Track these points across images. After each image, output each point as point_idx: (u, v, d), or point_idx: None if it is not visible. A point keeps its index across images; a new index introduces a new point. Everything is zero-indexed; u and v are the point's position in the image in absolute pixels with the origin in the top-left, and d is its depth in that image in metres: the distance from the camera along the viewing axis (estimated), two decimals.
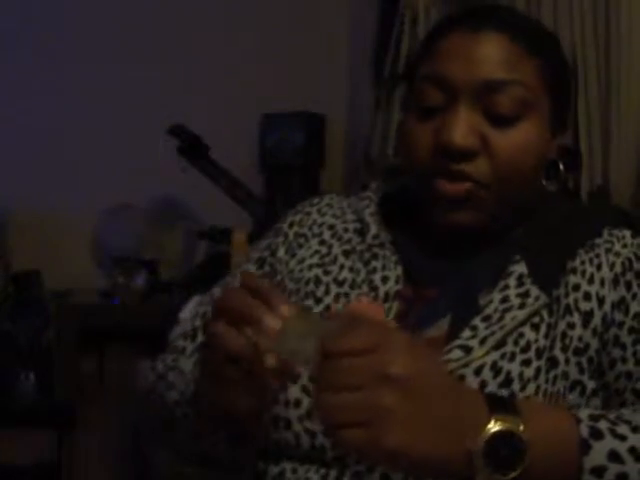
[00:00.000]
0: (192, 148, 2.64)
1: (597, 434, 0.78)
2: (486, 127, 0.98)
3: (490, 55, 0.98)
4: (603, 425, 0.79)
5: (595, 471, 0.77)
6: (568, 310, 0.97)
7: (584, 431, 0.78)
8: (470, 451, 0.73)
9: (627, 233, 1.04)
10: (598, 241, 1.02)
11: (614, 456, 0.77)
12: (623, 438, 0.79)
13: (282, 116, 2.97)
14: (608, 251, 1.01)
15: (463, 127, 0.97)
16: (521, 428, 0.74)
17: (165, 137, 2.59)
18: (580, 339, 0.96)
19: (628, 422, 0.81)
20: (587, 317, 0.97)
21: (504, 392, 0.91)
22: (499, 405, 0.76)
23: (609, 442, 0.78)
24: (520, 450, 0.74)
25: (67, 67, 2.78)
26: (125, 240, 2.75)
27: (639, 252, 1.01)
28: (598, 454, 0.77)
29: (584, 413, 0.80)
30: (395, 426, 0.71)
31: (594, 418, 0.80)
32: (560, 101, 1.04)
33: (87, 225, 2.78)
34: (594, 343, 0.96)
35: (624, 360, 0.95)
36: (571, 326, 0.96)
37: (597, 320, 0.97)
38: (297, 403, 0.95)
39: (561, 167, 1.06)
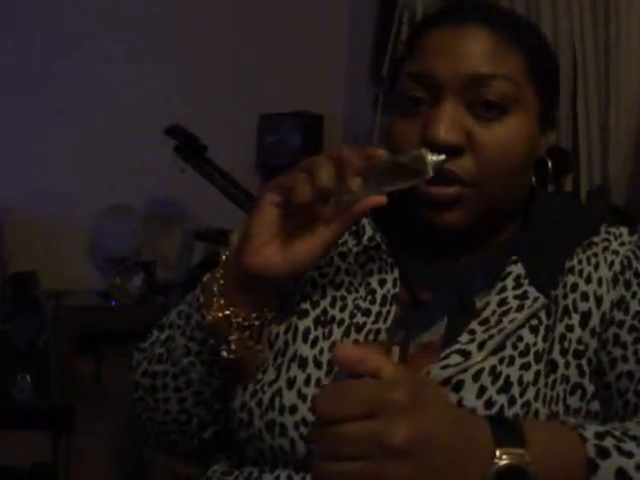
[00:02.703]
0: (190, 148, 2.63)
1: (604, 452, 0.77)
2: (471, 123, 0.95)
3: (474, 49, 0.96)
4: (609, 443, 0.78)
5: None
6: (566, 312, 0.95)
7: (590, 450, 0.76)
8: None
9: (624, 231, 1.02)
10: (595, 239, 1.00)
11: (621, 474, 0.76)
12: (630, 455, 0.77)
13: (280, 116, 2.97)
14: (606, 249, 0.99)
15: (447, 123, 0.94)
16: (527, 459, 0.71)
17: (163, 137, 2.59)
18: (579, 341, 0.94)
19: (634, 438, 0.79)
20: (585, 317, 0.95)
21: (503, 398, 0.90)
22: (506, 435, 0.73)
23: (616, 460, 0.76)
24: None
25: (66, 67, 2.78)
26: (122, 241, 2.74)
27: (638, 250, 1.00)
28: (605, 472, 0.76)
29: (590, 432, 0.78)
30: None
31: (599, 436, 0.78)
32: (548, 96, 1.02)
33: (84, 226, 2.77)
34: (593, 343, 0.95)
35: (625, 359, 0.94)
36: (570, 328, 0.95)
37: (595, 320, 0.95)
38: (293, 409, 0.93)
39: (549, 165, 1.05)
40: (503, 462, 0.70)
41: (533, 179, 1.05)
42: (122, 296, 2.66)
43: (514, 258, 0.98)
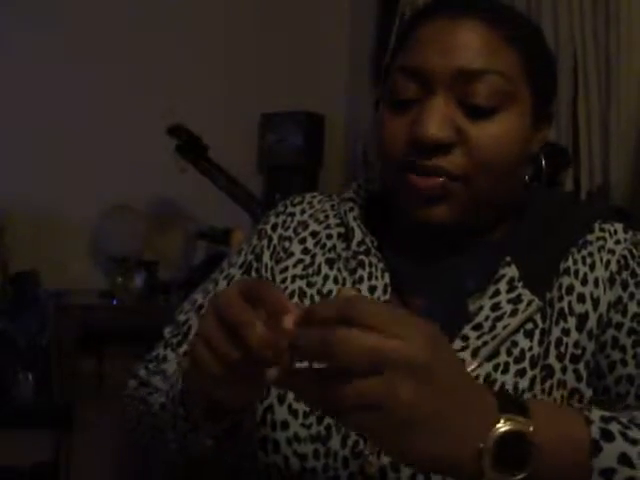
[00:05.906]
0: (191, 148, 2.63)
1: (608, 436, 0.75)
2: (462, 119, 0.93)
3: (466, 43, 0.93)
4: (614, 427, 0.76)
5: (605, 473, 0.74)
6: (562, 315, 0.94)
7: (595, 432, 0.75)
8: (479, 450, 0.68)
9: (619, 227, 1.00)
10: (590, 238, 0.98)
11: (625, 459, 0.75)
12: (634, 442, 0.76)
13: (281, 116, 2.97)
14: (601, 249, 0.97)
15: (437, 118, 0.91)
16: (531, 429, 0.70)
17: (164, 137, 2.59)
18: (576, 345, 0.93)
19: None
20: (582, 320, 0.94)
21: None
22: (509, 404, 0.71)
23: (620, 445, 0.75)
24: (529, 451, 0.70)
25: (66, 67, 2.78)
26: (124, 241, 2.74)
27: (634, 249, 0.98)
28: (608, 456, 0.74)
29: (596, 414, 0.77)
30: (409, 423, 0.66)
31: (605, 420, 0.77)
32: (543, 92, 0.99)
33: (86, 225, 2.77)
34: (590, 346, 0.93)
35: (624, 363, 0.93)
36: (566, 332, 0.93)
37: (592, 322, 0.94)
38: (284, 425, 0.92)
39: (542, 162, 1.02)
40: (506, 427, 0.69)
41: (527, 177, 1.03)
42: (124, 295, 2.66)
43: (507, 259, 0.96)
